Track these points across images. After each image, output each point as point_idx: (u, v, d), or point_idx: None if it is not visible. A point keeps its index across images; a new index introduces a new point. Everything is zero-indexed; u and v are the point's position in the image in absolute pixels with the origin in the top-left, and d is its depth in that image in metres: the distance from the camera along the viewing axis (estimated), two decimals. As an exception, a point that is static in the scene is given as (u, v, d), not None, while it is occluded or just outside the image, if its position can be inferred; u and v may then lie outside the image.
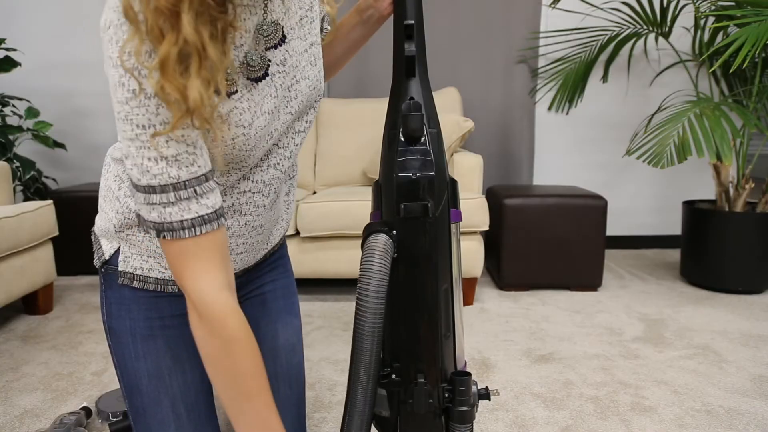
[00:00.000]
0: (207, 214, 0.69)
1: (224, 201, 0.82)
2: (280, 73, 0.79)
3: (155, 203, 0.67)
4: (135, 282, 0.87)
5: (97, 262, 0.91)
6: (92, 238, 0.93)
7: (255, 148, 0.78)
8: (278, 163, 0.86)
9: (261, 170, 0.84)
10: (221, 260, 0.71)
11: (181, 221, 0.67)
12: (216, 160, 0.75)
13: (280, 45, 0.79)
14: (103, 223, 0.89)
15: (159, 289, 0.88)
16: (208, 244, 0.70)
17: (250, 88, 0.75)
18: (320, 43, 0.89)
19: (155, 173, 0.66)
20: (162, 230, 0.68)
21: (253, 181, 0.83)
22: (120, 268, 0.87)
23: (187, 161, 0.67)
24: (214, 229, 0.70)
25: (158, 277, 0.87)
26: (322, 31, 1.02)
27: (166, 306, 0.90)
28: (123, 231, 0.85)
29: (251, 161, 0.79)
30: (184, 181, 0.67)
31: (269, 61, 0.77)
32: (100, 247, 0.90)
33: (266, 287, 1.04)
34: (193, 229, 0.68)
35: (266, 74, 0.77)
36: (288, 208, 1.00)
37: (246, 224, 0.86)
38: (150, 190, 0.66)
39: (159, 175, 0.66)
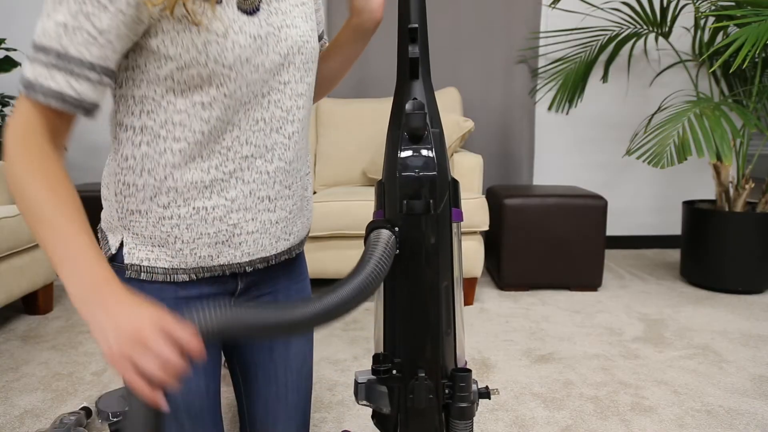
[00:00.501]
0: (69, 96, 0.70)
1: (226, 166, 0.82)
2: (265, 11, 0.80)
3: (36, 60, 0.70)
4: (143, 274, 0.85)
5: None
6: (98, 235, 0.91)
7: (235, 70, 0.77)
8: (281, 128, 0.85)
9: (263, 133, 0.83)
10: (54, 137, 0.73)
11: (44, 87, 0.70)
12: (185, 50, 0.75)
13: None
14: (106, 214, 0.88)
15: (168, 279, 0.86)
16: (54, 122, 0.73)
17: (233, 13, 0.77)
18: (314, 9, 0.90)
19: (50, 34, 0.69)
20: (28, 87, 0.70)
21: (255, 146, 0.83)
22: (126, 261, 0.85)
23: (82, 41, 0.69)
24: (65, 113, 0.73)
25: (166, 266, 0.85)
26: (319, 39, 1.04)
27: (171, 311, 0.86)
28: (126, 217, 0.84)
29: (233, 88, 0.78)
30: (67, 55, 0.69)
31: (260, 1, 0.80)
32: (107, 242, 0.88)
33: (281, 293, 1.01)
34: (48, 99, 0.70)
35: (257, 9, 0.79)
36: (308, 204, 0.98)
37: (251, 194, 0.85)
38: (40, 48, 0.69)
39: (52, 38, 0.69)
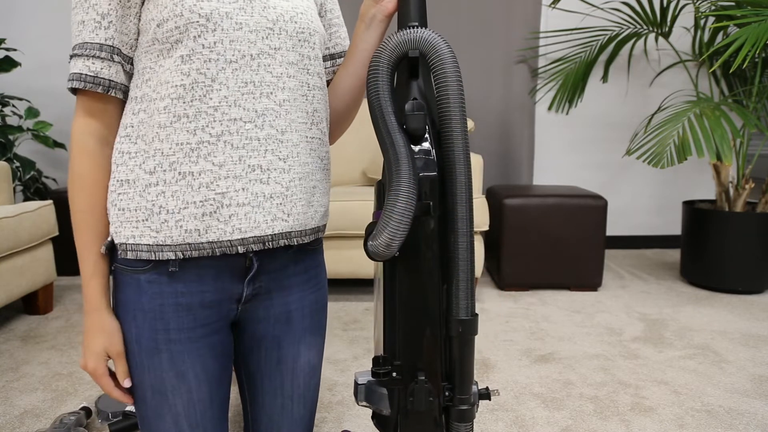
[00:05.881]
0: (86, 75, 0.83)
1: (213, 128, 0.82)
2: None
3: (74, 54, 0.84)
4: (129, 253, 0.83)
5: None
6: None
7: (213, 21, 0.81)
8: (272, 93, 0.85)
9: (253, 96, 0.83)
10: (99, 116, 0.87)
11: (75, 73, 0.84)
12: (166, 19, 0.81)
13: None
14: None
15: (153, 258, 0.83)
16: (88, 101, 0.85)
17: None
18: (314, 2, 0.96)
19: (74, 33, 0.84)
20: (71, 79, 0.85)
21: (244, 109, 0.82)
22: (116, 241, 0.85)
23: (92, 28, 0.83)
24: (89, 90, 0.85)
25: (150, 243, 0.83)
26: (338, 58, 1.03)
27: (173, 318, 0.86)
28: (115, 190, 0.84)
29: (212, 40, 0.80)
30: (83, 43, 0.83)
31: None
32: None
33: (294, 305, 0.97)
34: (72, 81, 0.84)
35: None
36: (315, 189, 0.92)
37: (240, 160, 0.82)
38: (73, 48, 0.85)
39: (75, 36, 0.84)
